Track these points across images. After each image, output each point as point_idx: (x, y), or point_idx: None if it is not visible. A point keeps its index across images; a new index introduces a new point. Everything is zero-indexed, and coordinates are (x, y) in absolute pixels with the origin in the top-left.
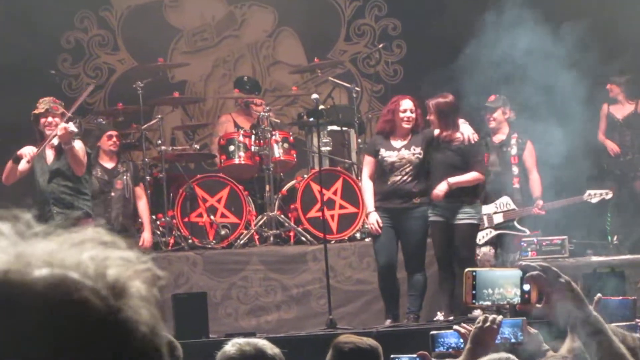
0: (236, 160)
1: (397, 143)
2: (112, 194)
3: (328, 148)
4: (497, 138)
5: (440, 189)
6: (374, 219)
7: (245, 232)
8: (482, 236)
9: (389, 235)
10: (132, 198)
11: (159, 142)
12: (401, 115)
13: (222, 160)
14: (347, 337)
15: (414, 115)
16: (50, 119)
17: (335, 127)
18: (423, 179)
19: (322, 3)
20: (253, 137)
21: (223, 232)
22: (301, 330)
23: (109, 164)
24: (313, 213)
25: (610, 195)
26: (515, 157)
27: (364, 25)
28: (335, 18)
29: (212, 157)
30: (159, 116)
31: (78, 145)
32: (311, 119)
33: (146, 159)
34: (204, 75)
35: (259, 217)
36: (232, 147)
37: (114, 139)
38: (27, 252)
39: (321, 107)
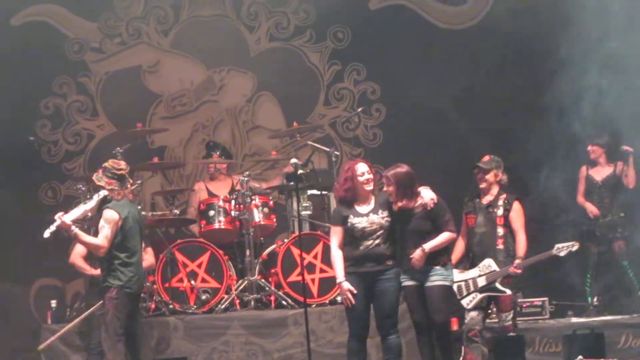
0: (216, 225)
1: (362, 209)
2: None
3: (308, 212)
4: (486, 199)
5: (417, 257)
6: (346, 288)
7: (226, 296)
8: (469, 301)
9: (363, 302)
10: None
11: (139, 207)
12: (360, 179)
13: (202, 225)
14: None
15: (371, 176)
16: None
17: (315, 191)
18: (392, 242)
19: (301, 67)
20: (233, 202)
21: (204, 297)
22: None
23: None
24: (294, 277)
25: (576, 247)
26: (501, 218)
27: (343, 89)
28: (315, 82)
29: (192, 222)
30: (139, 181)
31: (105, 215)
32: (291, 183)
33: None
34: (183, 140)
35: (240, 281)
36: (212, 212)
37: None
38: None
39: (300, 171)
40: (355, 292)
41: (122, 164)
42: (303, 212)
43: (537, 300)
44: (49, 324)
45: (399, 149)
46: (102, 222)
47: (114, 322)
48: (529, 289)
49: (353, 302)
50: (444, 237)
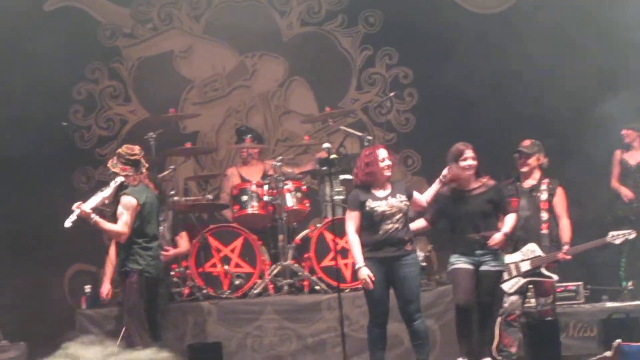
0: (249, 210)
1: (380, 193)
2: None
3: (341, 197)
4: (528, 183)
5: (498, 240)
6: (365, 274)
7: (259, 281)
8: (511, 285)
9: (382, 287)
10: (170, 248)
11: (172, 192)
12: (381, 165)
13: (235, 210)
14: None
15: (390, 162)
16: None
17: (347, 176)
18: (408, 227)
19: (333, 52)
20: (266, 186)
21: (237, 282)
22: None
23: None
24: (327, 262)
25: (633, 235)
26: (545, 203)
27: (375, 74)
28: (346, 67)
29: (225, 207)
30: (172, 167)
31: (124, 201)
32: (323, 168)
33: None
34: (216, 125)
35: (273, 266)
36: (244, 197)
37: None
38: None
39: (333, 156)
40: (373, 278)
41: (136, 149)
42: (336, 197)
43: (572, 285)
44: (83, 309)
45: (431, 134)
46: (120, 209)
47: (138, 306)
48: (564, 274)
49: (372, 287)
50: (513, 218)
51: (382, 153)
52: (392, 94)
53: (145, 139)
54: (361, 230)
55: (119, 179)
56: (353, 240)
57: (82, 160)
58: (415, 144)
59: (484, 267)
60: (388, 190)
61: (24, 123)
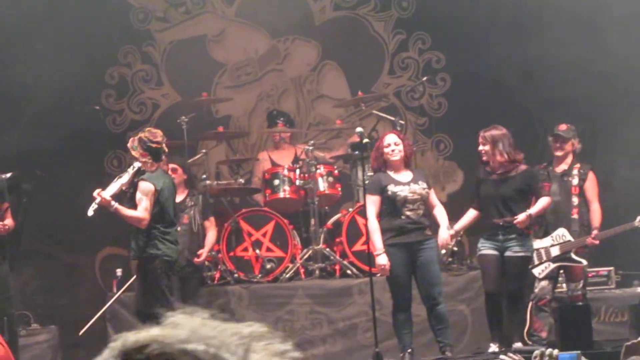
0: (281, 194)
1: (402, 177)
2: (178, 228)
3: None
4: (560, 168)
5: (522, 220)
6: (384, 261)
7: (290, 265)
8: (541, 270)
9: (404, 272)
10: (200, 232)
11: (204, 176)
12: (385, 150)
13: (267, 194)
14: None
15: (399, 147)
16: None
17: None
18: (427, 212)
19: (366, 36)
20: (297, 171)
21: (269, 266)
22: None
23: (178, 197)
24: (358, 246)
25: None
26: (576, 188)
27: (407, 58)
28: (379, 51)
29: (256, 192)
30: (204, 151)
31: (142, 187)
32: (356, 152)
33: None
34: (248, 109)
35: (305, 250)
36: (276, 181)
37: (169, 172)
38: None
39: (365, 140)
40: (389, 265)
41: (159, 136)
42: (368, 181)
43: (603, 270)
44: (115, 292)
45: (464, 118)
46: (139, 195)
47: (162, 289)
48: (596, 259)
49: (387, 274)
50: (544, 202)
51: (388, 138)
52: (424, 78)
53: (178, 122)
54: (382, 216)
55: (137, 165)
56: (373, 225)
57: (114, 144)
58: (448, 129)
59: (508, 253)
60: (409, 177)
61: (57, 107)
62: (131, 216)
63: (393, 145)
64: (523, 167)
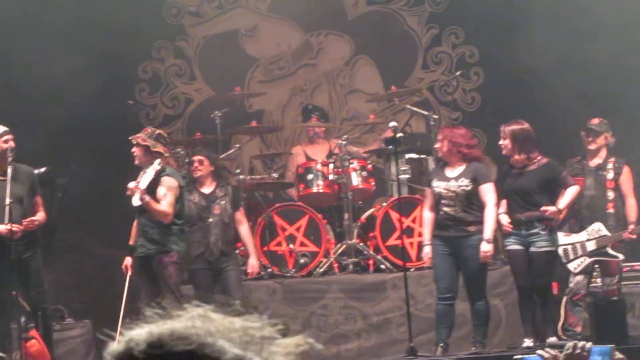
0: (314, 189)
1: (450, 173)
2: (210, 219)
3: (406, 176)
4: (594, 162)
5: (551, 209)
6: (424, 253)
7: (324, 260)
8: (577, 265)
9: (446, 262)
10: (231, 223)
11: (237, 171)
12: (435, 145)
13: (301, 189)
14: None
15: (439, 145)
16: (133, 148)
17: (413, 155)
18: (476, 208)
19: (399, 31)
20: (331, 165)
21: (302, 261)
22: (381, 357)
23: (207, 189)
24: (392, 241)
25: None
26: (611, 182)
27: (441, 52)
28: (412, 46)
29: (290, 186)
30: (237, 145)
31: (166, 182)
32: (389, 147)
33: None
34: (281, 104)
35: (338, 245)
36: (310, 176)
37: (195, 164)
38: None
39: (399, 135)
40: (430, 257)
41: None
42: (401, 176)
43: (638, 265)
44: None
45: (498, 113)
46: (164, 190)
47: (178, 285)
48: (631, 253)
49: (428, 264)
50: (572, 192)
51: (439, 135)
52: (458, 73)
53: (211, 117)
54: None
55: (158, 161)
56: (424, 216)
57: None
58: (481, 123)
59: (532, 249)
60: (457, 172)
61: (91, 102)
62: (160, 210)
63: (438, 142)
64: (544, 160)
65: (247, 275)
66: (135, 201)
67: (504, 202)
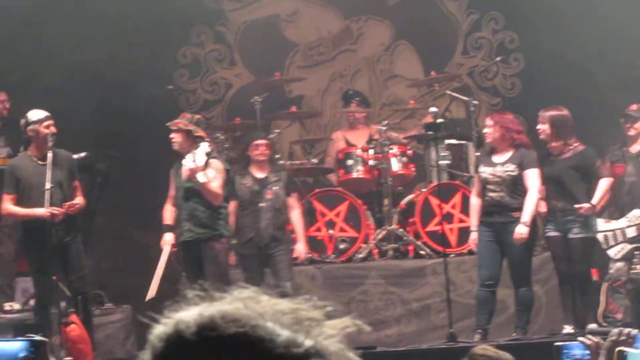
0: (354, 175)
1: (497, 159)
2: (262, 204)
3: (446, 161)
4: (634, 148)
5: (585, 207)
6: (472, 238)
7: (364, 246)
8: (617, 251)
9: (491, 248)
10: (283, 209)
11: (277, 156)
12: (482, 131)
13: (341, 175)
14: (483, 349)
15: (490, 130)
16: (172, 133)
17: (453, 141)
18: (521, 194)
19: (439, 16)
20: (371, 151)
21: (342, 246)
22: (421, 343)
23: (260, 174)
24: (432, 227)
25: None
26: None
27: (481, 38)
28: (452, 31)
29: (330, 172)
30: (277, 130)
31: (215, 165)
32: (429, 133)
33: None
34: (321, 89)
35: (378, 231)
36: (350, 162)
37: (262, 148)
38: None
39: (439, 120)
40: (475, 244)
41: None
42: (441, 162)
43: None
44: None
45: (537, 99)
46: (213, 172)
47: (227, 270)
48: None
49: (474, 250)
50: (603, 185)
51: (486, 120)
52: (498, 58)
53: (251, 102)
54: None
55: (204, 144)
56: (471, 203)
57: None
58: (521, 109)
59: (569, 235)
60: (505, 158)
61: (130, 87)
62: (214, 191)
63: (486, 127)
64: (580, 147)
65: (295, 260)
66: (202, 178)
67: (542, 189)
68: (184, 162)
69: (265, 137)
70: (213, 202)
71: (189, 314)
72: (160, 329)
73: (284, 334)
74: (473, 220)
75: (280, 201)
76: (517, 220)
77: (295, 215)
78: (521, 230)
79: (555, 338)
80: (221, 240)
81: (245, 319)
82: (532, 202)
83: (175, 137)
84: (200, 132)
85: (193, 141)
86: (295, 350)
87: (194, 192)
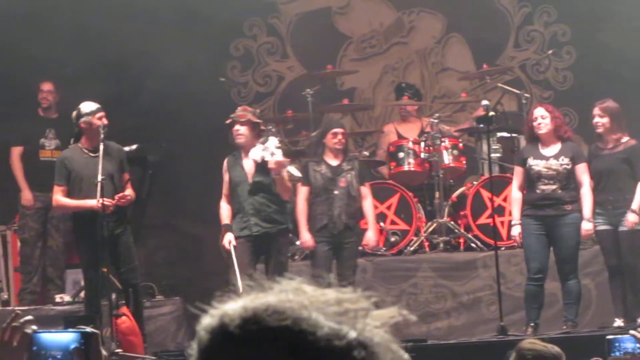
0: (406, 167)
1: (546, 151)
2: (336, 192)
3: (498, 154)
4: None
5: (630, 220)
6: (515, 232)
7: (415, 238)
8: None
9: (540, 242)
10: (357, 197)
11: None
12: (533, 123)
13: (392, 167)
14: (531, 342)
15: (545, 121)
16: (237, 126)
17: (504, 134)
18: (573, 187)
19: (491, 9)
20: (422, 144)
21: (393, 239)
22: (472, 336)
23: (334, 162)
24: (483, 220)
25: None
26: None
27: (533, 31)
28: (504, 24)
29: (381, 164)
30: None
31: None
32: (481, 126)
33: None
34: (373, 82)
35: (429, 223)
36: (401, 154)
37: (340, 136)
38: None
39: (491, 113)
40: (520, 237)
41: None
42: (493, 155)
43: None
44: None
45: (589, 92)
46: (295, 168)
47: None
48: None
49: (519, 244)
50: None
51: (536, 111)
52: (550, 51)
53: (303, 95)
54: (524, 187)
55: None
56: (513, 196)
57: None
58: (573, 102)
59: (620, 228)
60: (555, 151)
61: (182, 79)
62: (289, 186)
63: (540, 118)
64: (632, 142)
65: (364, 248)
66: (295, 172)
67: (591, 182)
68: (252, 155)
69: (342, 125)
70: (284, 196)
71: (234, 307)
72: (206, 321)
73: (327, 325)
74: (516, 214)
75: (354, 189)
76: (569, 213)
77: (368, 204)
78: (588, 227)
79: (605, 331)
80: (287, 235)
81: (289, 311)
82: (590, 195)
83: (242, 130)
84: (262, 126)
85: (257, 134)
86: (338, 343)
87: (262, 186)
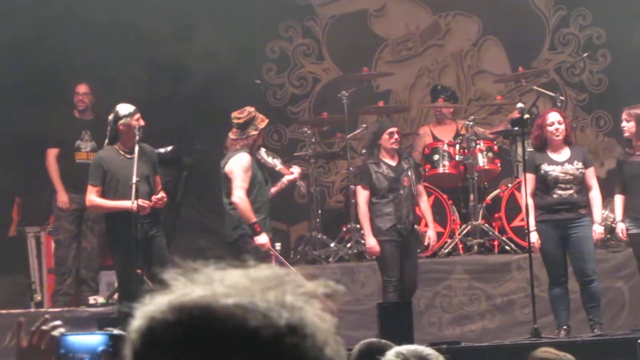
0: (440, 169)
1: (558, 157)
2: (401, 191)
3: None
4: None
5: None
6: (533, 239)
7: (449, 241)
8: None
9: (558, 247)
10: (416, 195)
11: (364, 151)
12: (549, 128)
13: (427, 169)
14: (544, 351)
15: (562, 126)
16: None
17: None
18: (585, 191)
19: (527, 12)
20: (457, 146)
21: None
22: (505, 339)
23: (392, 162)
24: (517, 222)
25: None
26: None
27: (568, 34)
28: (540, 27)
29: (417, 167)
30: (364, 125)
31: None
32: (516, 128)
33: (351, 168)
34: (408, 84)
35: (463, 226)
36: (436, 156)
37: (396, 135)
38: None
39: (526, 116)
40: (539, 244)
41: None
42: (527, 157)
43: None
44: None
45: (624, 95)
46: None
47: None
48: None
49: (537, 251)
50: None
51: (551, 116)
52: (585, 54)
53: (338, 97)
54: (536, 193)
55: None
56: (527, 203)
57: (275, 118)
58: (608, 105)
59: None
60: (566, 155)
61: (218, 81)
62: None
63: (557, 124)
64: None
65: (426, 246)
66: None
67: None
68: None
69: (395, 124)
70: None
71: (161, 306)
72: (136, 323)
73: (254, 316)
74: (532, 221)
75: (415, 188)
76: (583, 216)
77: (424, 202)
78: (600, 230)
79: (638, 334)
80: None
81: (215, 307)
82: (600, 200)
83: None
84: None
85: None
86: (267, 333)
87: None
